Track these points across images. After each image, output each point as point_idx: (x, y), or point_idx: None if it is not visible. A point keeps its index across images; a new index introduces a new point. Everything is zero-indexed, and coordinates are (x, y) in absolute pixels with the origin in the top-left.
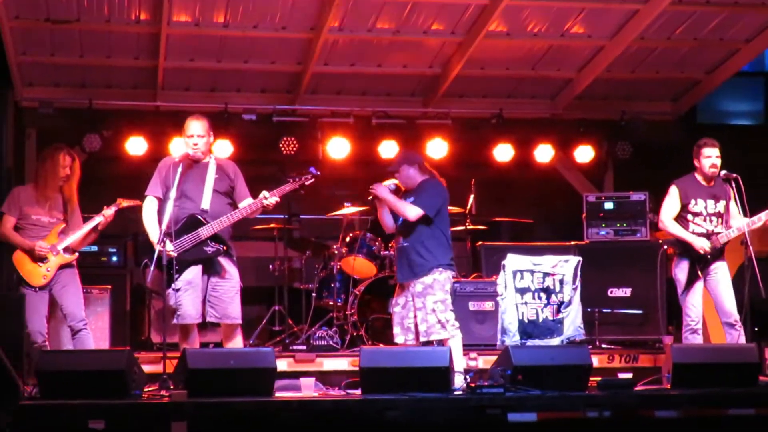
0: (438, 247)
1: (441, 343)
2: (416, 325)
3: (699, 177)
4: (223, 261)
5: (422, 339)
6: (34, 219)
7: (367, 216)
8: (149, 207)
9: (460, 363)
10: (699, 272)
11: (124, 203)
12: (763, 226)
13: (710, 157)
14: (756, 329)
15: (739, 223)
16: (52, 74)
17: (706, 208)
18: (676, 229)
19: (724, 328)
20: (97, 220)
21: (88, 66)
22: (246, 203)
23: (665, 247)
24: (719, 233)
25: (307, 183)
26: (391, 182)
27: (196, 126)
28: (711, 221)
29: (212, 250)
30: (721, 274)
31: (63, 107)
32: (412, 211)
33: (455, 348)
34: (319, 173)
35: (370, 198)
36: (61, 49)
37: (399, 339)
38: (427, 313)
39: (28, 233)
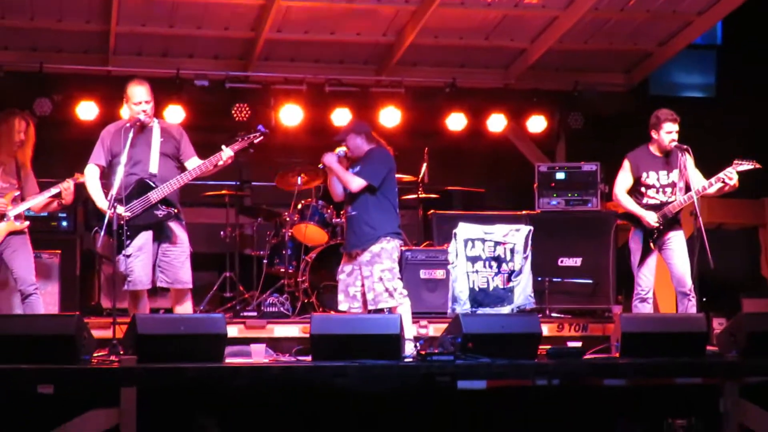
0: (385, 216)
1: (392, 310)
2: (363, 294)
3: (652, 148)
4: (173, 226)
5: (370, 307)
6: None
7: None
8: (92, 175)
9: (410, 330)
10: (652, 244)
11: (81, 178)
12: (722, 191)
13: (671, 132)
14: (704, 299)
15: (697, 186)
16: (2, 37)
17: (658, 179)
18: (628, 203)
19: (677, 297)
20: (53, 191)
21: (38, 29)
22: (195, 163)
23: (619, 221)
24: (671, 202)
25: (256, 141)
26: (341, 150)
27: (142, 91)
28: (665, 192)
29: (163, 214)
30: (676, 243)
31: (13, 70)
32: (354, 182)
33: (404, 315)
34: (267, 131)
35: (320, 166)
36: (12, 11)
37: (343, 306)
38: (374, 281)
39: None
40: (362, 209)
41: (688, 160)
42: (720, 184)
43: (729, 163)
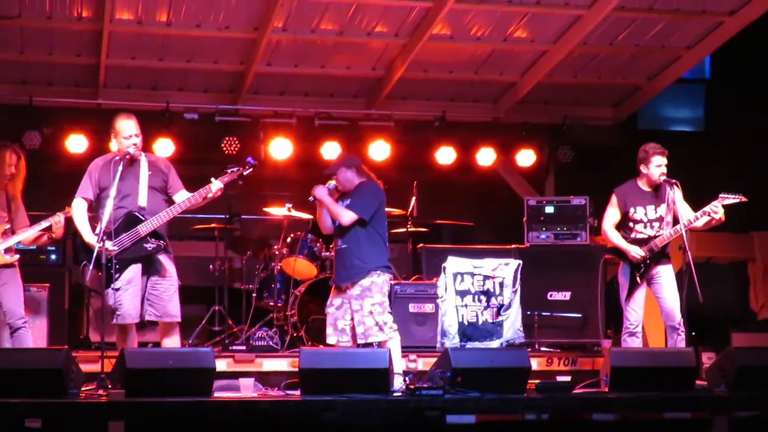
0: (376, 250)
1: (381, 344)
2: (353, 328)
3: (641, 183)
4: (162, 259)
5: (360, 341)
6: None
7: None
8: (79, 208)
9: (399, 365)
10: (638, 278)
11: (72, 212)
12: (710, 224)
13: (660, 166)
14: (693, 333)
15: (684, 219)
16: None
17: (646, 214)
18: (615, 237)
19: (667, 331)
20: (44, 224)
21: (28, 63)
22: (183, 196)
23: (606, 255)
24: (658, 236)
25: (245, 173)
26: (332, 183)
27: (131, 125)
28: (652, 227)
29: (153, 247)
30: (665, 278)
31: (2, 103)
32: (345, 216)
33: (394, 350)
34: (256, 163)
35: (311, 199)
36: (2, 45)
37: (331, 340)
38: (364, 315)
39: None
40: (352, 243)
41: (677, 194)
42: (706, 218)
43: (716, 197)
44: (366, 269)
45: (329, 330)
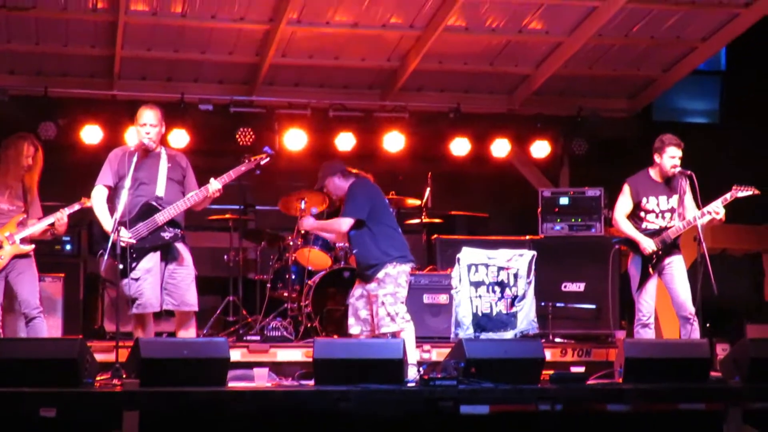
0: (386, 244)
1: (395, 334)
2: (373, 318)
3: (653, 173)
4: (180, 247)
5: (376, 332)
6: None
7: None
8: (99, 196)
9: (413, 355)
10: (651, 269)
11: (88, 202)
12: (711, 223)
13: (674, 158)
14: (708, 325)
15: (691, 215)
16: (7, 61)
17: (658, 204)
18: (627, 228)
19: (679, 321)
20: (49, 220)
21: (43, 54)
22: (194, 192)
23: (617, 245)
24: (670, 227)
25: (262, 163)
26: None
27: (148, 115)
28: (664, 217)
29: (170, 235)
30: (676, 268)
31: (18, 95)
32: (343, 225)
33: (407, 340)
34: (273, 152)
35: (302, 232)
36: (17, 36)
37: (354, 330)
38: (378, 306)
39: None
40: (361, 246)
41: (688, 188)
42: (709, 217)
43: (730, 190)
44: (380, 265)
45: (351, 320)
